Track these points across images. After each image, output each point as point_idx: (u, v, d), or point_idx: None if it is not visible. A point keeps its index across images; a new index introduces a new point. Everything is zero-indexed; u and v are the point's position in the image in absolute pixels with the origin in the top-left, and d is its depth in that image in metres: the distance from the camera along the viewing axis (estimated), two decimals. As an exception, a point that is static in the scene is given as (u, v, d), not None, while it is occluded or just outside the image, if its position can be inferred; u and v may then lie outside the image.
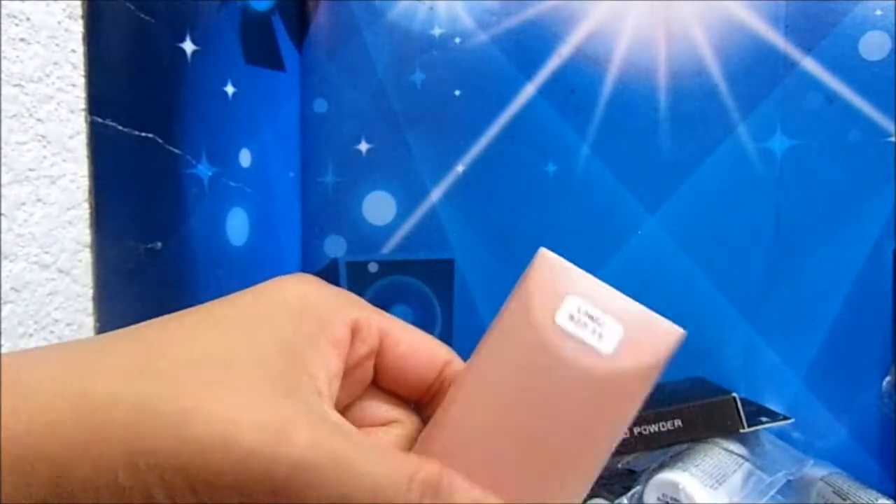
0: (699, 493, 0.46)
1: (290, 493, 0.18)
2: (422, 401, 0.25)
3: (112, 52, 0.40)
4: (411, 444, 0.24)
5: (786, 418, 0.54)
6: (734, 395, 0.51)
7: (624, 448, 0.52)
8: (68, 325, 0.38)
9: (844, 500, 0.49)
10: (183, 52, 0.46)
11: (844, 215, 0.58)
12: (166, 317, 0.22)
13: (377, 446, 0.21)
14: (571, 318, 0.23)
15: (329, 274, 0.66)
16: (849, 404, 0.59)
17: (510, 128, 0.63)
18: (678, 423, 0.51)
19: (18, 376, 0.19)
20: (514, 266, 0.62)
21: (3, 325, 0.34)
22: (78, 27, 0.38)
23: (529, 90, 0.62)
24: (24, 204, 0.35)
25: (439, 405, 0.23)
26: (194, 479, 0.18)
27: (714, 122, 0.60)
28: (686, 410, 0.51)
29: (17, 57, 0.34)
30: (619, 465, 0.54)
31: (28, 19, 0.35)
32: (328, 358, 0.21)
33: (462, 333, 0.63)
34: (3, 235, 0.34)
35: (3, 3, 0.33)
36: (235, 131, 0.54)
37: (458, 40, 0.63)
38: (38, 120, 0.36)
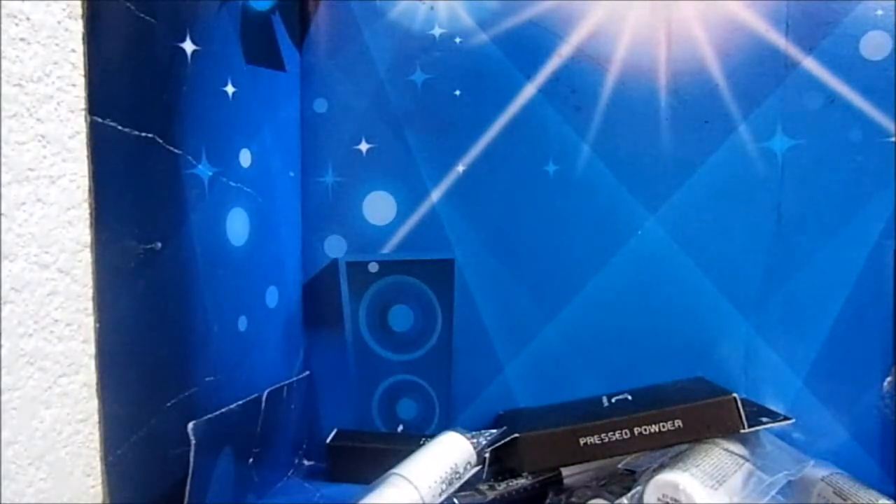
0: (699, 494, 0.46)
1: None
2: None
3: (112, 52, 0.40)
4: None
5: (786, 419, 0.54)
6: (734, 395, 0.51)
7: (624, 448, 0.52)
8: (68, 325, 0.38)
9: (845, 500, 0.49)
10: (183, 52, 0.46)
11: (845, 215, 0.58)
12: None
13: None
14: None
15: (329, 274, 0.66)
16: (849, 404, 0.59)
17: (510, 128, 0.63)
18: (678, 423, 0.51)
19: None
20: (514, 266, 0.63)
21: (3, 325, 0.34)
22: (78, 27, 0.38)
23: (529, 90, 0.62)
24: (24, 204, 0.35)
25: None
26: None
27: (715, 122, 0.60)
28: (686, 411, 0.51)
29: (17, 57, 0.34)
30: (620, 466, 0.54)
31: (28, 19, 0.35)
32: None
33: (462, 333, 0.63)
34: (3, 235, 0.34)
35: (3, 3, 0.33)
36: (235, 131, 0.54)
37: (458, 40, 0.63)
38: (38, 120, 0.36)
